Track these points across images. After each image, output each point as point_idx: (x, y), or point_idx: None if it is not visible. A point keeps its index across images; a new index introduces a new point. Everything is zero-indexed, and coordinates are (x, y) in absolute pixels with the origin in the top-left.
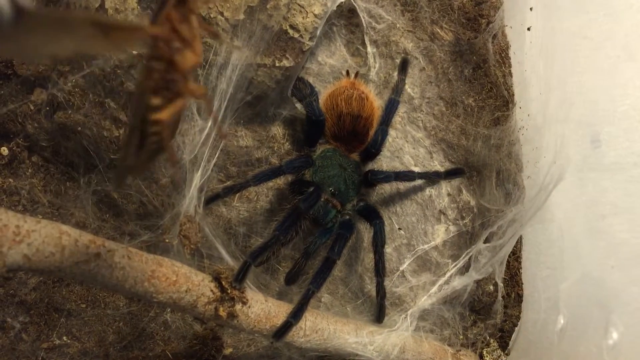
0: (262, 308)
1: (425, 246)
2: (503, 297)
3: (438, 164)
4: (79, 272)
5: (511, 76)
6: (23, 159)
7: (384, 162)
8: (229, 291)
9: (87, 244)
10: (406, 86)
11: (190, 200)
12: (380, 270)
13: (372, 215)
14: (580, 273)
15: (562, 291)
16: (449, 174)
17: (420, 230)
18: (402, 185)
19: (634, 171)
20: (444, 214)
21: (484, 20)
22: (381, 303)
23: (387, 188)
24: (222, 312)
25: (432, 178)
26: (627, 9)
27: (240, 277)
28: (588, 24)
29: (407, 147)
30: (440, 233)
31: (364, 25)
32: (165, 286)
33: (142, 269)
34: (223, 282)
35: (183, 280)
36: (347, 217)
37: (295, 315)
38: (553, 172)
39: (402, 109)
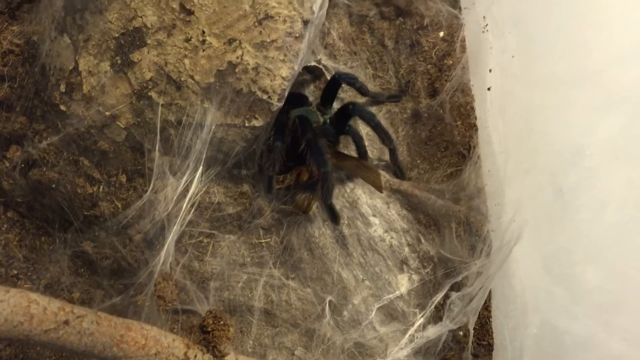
0: None
1: (391, 296)
2: (474, 345)
3: (395, 213)
4: (47, 340)
5: (474, 134)
6: None
7: (345, 212)
8: (198, 353)
9: (55, 312)
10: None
11: (167, 257)
12: (384, 138)
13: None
14: (546, 323)
15: (527, 341)
16: (391, 97)
17: (385, 280)
18: (364, 237)
19: (601, 219)
20: (405, 263)
21: (444, 82)
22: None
23: (349, 240)
24: None
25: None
26: (583, 67)
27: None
28: (545, 80)
29: (364, 198)
30: (404, 282)
31: None
32: (134, 350)
33: (110, 334)
34: (191, 342)
35: (152, 344)
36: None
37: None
38: (513, 229)
39: None
